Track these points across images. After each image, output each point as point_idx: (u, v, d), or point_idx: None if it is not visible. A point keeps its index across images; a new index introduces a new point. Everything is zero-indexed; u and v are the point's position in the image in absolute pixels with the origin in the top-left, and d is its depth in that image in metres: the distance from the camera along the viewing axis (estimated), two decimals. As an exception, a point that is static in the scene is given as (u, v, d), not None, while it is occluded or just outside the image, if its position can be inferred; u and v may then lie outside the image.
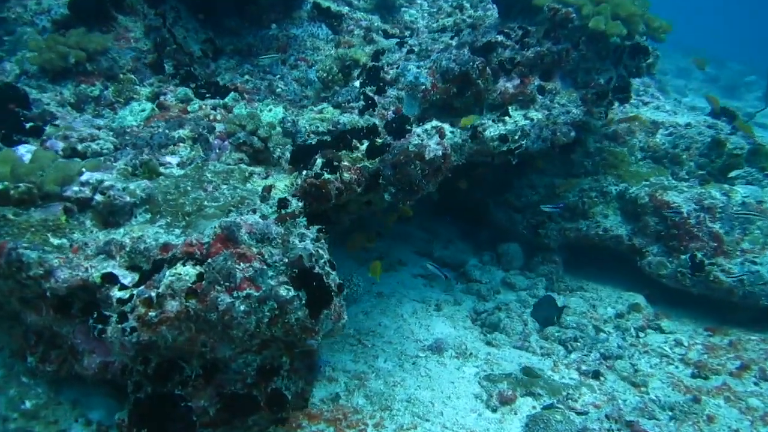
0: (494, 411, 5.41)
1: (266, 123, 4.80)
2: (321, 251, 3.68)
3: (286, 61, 7.02)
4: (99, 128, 5.04)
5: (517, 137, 6.40)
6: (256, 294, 3.29)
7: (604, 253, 8.28)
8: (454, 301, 7.44)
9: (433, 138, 5.02)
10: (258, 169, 4.63)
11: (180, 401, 3.40)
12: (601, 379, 6.02)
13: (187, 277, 3.22)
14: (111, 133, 4.90)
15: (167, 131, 4.74)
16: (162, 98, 5.64)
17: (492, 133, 6.35)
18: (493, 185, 9.03)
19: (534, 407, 5.42)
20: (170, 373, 3.35)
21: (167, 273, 3.23)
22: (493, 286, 7.77)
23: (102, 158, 4.39)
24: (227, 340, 3.32)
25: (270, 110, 5.32)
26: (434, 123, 5.19)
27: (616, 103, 7.76)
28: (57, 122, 4.99)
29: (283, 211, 4.03)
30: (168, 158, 4.52)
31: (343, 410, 5.09)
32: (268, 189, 4.08)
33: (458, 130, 5.40)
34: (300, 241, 3.65)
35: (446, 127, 5.24)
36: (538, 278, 8.16)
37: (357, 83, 6.38)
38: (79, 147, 4.50)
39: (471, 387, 5.69)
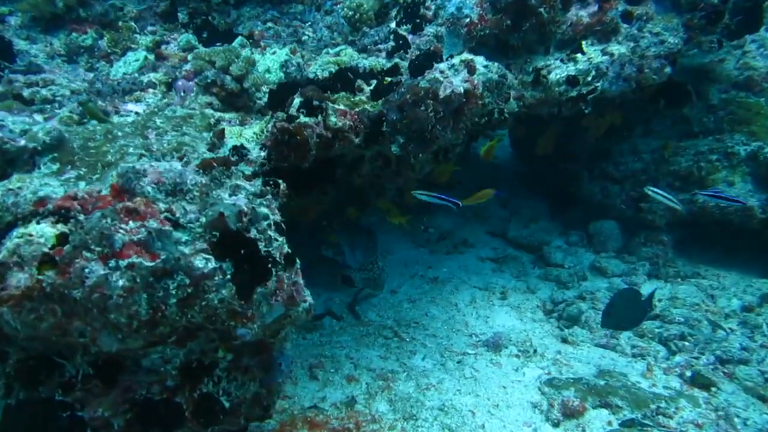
0: (555, 425, 4.24)
1: (243, 59, 3.96)
2: (262, 209, 2.77)
3: (321, 6, 6.19)
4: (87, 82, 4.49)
5: (590, 78, 5.13)
6: (149, 264, 2.43)
7: (729, 231, 6.66)
8: (527, 288, 6.24)
9: (460, 74, 3.96)
10: (229, 116, 3.81)
11: (64, 409, 2.63)
12: (713, 389, 4.60)
13: (42, 240, 2.43)
14: (86, 84, 4.32)
15: (136, 75, 4.07)
16: (162, 47, 5.00)
17: (558, 76, 5.13)
18: (589, 152, 7.65)
19: (609, 423, 4.17)
20: (42, 372, 2.60)
21: (15, 233, 2.46)
22: (578, 271, 6.46)
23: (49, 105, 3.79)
24: (110, 328, 2.50)
25: (273, 53, 4.49)
26: (464, 56, 4.10)
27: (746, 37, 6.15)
28: (44, 76, 4.50)
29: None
30: (130, 105, 3.83)
31: (357, 418, 4.16)
32: (219, 134, 3.24)
33: (495, 65, 4.24)
34: (231, 195, 2.77)
35: (479, 60, 4.12)
36: (639, 262, 6.73)
37: (392, 24, 5.40)
38: (26, 93, 3.93)
39: (528, 393, 4.54)
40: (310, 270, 6.22)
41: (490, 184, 8.49)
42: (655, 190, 5.46)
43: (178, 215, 2.62)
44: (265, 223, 2.73)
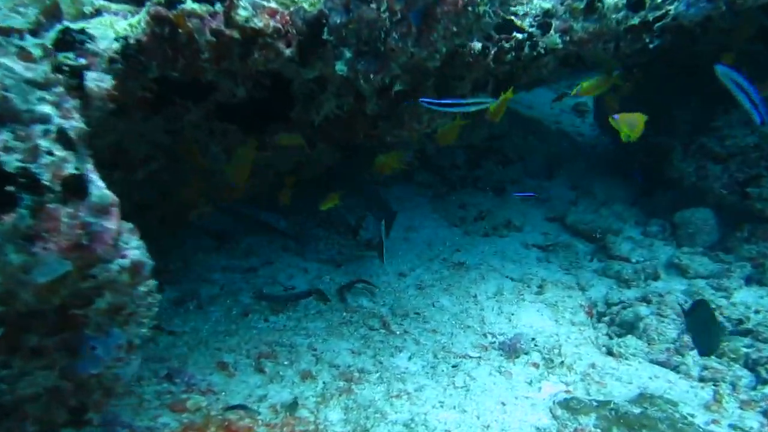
0: (561, 465, 3.09)
1: None
2: (40, 107, 1.92)
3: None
4: None
5: (659, 0, 3.87)
6: None
7: None
8: (576, 284, 5.03)
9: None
10: (119, 7, 2.95)
11: None
12: (812, 435, 3.25)
13: None
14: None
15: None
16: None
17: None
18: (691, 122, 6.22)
19: (636, 470, 2.97)
20: None
21: None
22: (649, 267, 5.12)
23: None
24: None
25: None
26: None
27: None
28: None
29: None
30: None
31: (294, 427, 3.24)
32: (50, 10, 2.41)
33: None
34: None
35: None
36: (737, 263, 5.27)
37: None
38: None
39: (535, 415, 3.42)
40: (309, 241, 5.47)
41: (562, 162, 7.25)
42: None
43: None
44: (41, 127, 1.86)
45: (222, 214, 5.31)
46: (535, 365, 3.96)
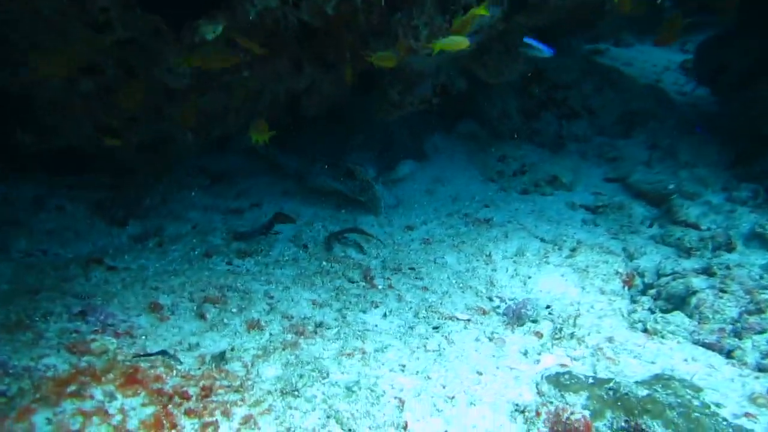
0: (531, 450, 2.42)
1: None
2: None
3: None
4: None
5: None
6: None
7: None
8: (622, 250, 4.19)
9: None
10: None
11: None
12: None
13: None
14: None
15: None
16: None
17: None
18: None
19: (624, 468, 2.24)
20: None
21: None
22: (721, 236, 4.19)
23: None
24: None
25: None
26: None
27: None
28: None
29: None
30: None
31: (213, 382, 2.77)
32: None
33: None
34: None
35: None
36: (844, 239, 4.22)
37: None
38: None
39: (516, 389, 2.74)
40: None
41: (647, 120, 6.26)
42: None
43: None
44: None
45: (233, 155, 4.95)
46: (538, 335, 3.24)
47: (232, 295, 3.32)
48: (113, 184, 4.31)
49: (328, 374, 2.82)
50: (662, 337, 3.27)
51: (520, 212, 4.66)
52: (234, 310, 3.21)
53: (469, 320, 3.34)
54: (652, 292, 3.79)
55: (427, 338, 3.12)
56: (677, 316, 3.44)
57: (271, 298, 3.33)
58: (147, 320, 3.08)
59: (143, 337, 2.96)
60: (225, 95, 3.96)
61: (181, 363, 2.85)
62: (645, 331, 3.36)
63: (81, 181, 4.16)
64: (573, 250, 4.08)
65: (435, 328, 3.26)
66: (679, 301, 3.61)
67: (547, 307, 3.53)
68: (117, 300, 3.13)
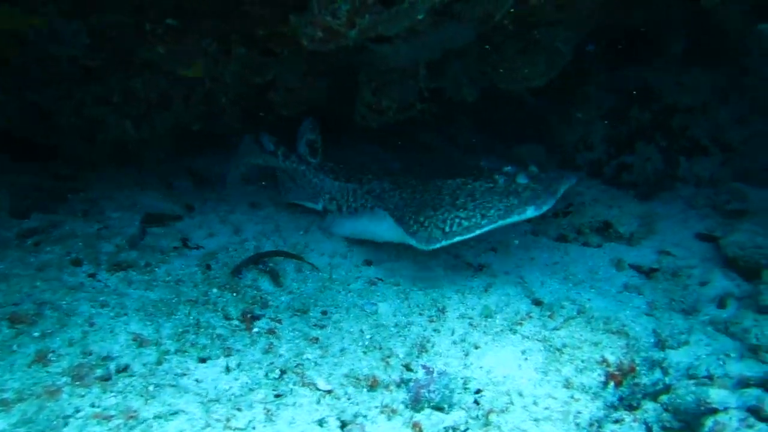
0: None
1: None
2: None
3: None
4: None
5: None
6: None
7: None
8: (653, 333, 2.96)
9: None
10: None
11: None
12: None
13: None
14: None
15: None
16: None
17: None
18: None
19: None
20: None
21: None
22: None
23: None
24: None
25: None
26: None
27: None
28: None
29: None
30: None
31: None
32: None
33: None
34: None
35: None
36: None
37: None
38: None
39: None
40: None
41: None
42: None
43: None
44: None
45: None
46: (417, 427, 2.22)
47: (50, 315, 2.73)
48: (66, 175, 4.03)
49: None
50: None
51: (533, 263, 3.54)
52: (36, 334, 2.61)
53: (329, 392, 2.41)
54: (665, 399, 2.52)
55: (251, 407, 2.27)
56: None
57: (92, 325, 2.68)
58: None
59: None
60: (153, 77, 3.48)
61: None
62: None
63: (21, 167, 3.92)
64: (567, 320, 2.91)
65: (277, 395, 2.39)
66: (688, 420, 2.33)
67: (478, 391, 2.49)
68: None
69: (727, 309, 3.21)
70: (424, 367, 2.61)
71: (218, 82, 3.63)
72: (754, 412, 2.29)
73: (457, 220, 3.11)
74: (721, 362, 2.69)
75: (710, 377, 2.59)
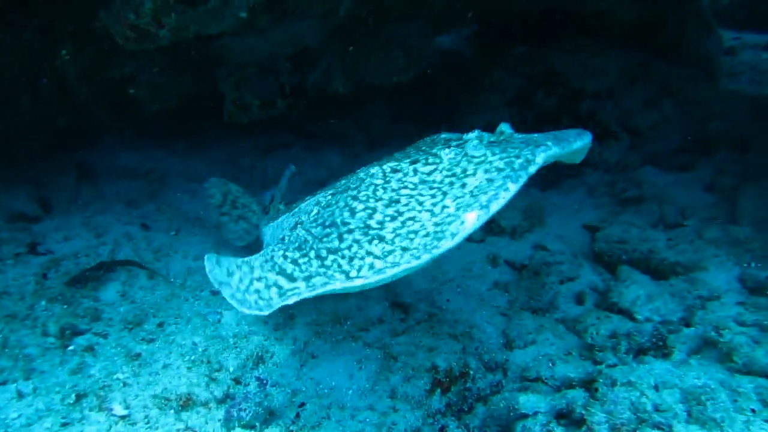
0: None
1: None
2: None
3: None
4: None
5: None
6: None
7: None
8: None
9: None
10: None
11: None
12: None
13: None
14: None
15: None
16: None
17: None
18: None
19: None
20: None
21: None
22: (653, 334, 2.65)
23: None
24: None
25: None
26: None
27: None
28: None
29: None
30: None
31: None
32: None
33: None
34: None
35: None
36: None
37: None
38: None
39: None
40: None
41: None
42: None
43: None
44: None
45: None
46: None
47: None
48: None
49: None
50: None
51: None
52: None
53: (125, 417, 2.30)
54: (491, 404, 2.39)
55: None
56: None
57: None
58: None
59: None
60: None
61: None
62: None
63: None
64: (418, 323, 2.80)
65: (64, 424, 2.28)
66: (504, 424, 2.23)
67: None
68: None
69: (585, 305, 3.10)
70: (258, 378, 2.51)
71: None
72: (564, 416, 2.19)
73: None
74: (551, 363, 2.57)
75: (537, 379, 2.49)
